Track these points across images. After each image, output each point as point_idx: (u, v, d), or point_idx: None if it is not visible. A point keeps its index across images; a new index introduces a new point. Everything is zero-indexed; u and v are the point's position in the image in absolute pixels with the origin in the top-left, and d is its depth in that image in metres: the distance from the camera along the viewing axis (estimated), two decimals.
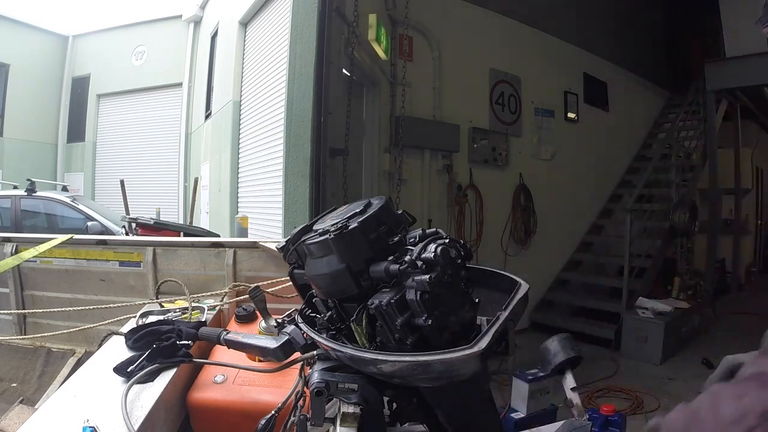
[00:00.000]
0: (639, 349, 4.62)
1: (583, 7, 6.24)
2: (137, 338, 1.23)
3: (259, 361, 1.18)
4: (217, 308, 1.64)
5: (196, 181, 7.14)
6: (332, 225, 0.68)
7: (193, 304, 1.56)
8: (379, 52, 4.14)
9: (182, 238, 3.34)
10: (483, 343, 0.58)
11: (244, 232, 4.44)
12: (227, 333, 1.03)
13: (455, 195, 5.06)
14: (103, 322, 1.57)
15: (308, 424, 0.72)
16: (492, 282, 0.78)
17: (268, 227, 4.70)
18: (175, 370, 1.14)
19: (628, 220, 5.39)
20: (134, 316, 1.46)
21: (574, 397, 0.71)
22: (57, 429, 0.92)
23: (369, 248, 0.67)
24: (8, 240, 2.46)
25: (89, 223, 5.90)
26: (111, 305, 1.79)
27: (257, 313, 1.43)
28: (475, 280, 0.71)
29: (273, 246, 2.00)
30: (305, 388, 0.80)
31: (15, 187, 6.83)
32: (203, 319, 1.47)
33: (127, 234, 4.69)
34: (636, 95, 7.32)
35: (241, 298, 1.71)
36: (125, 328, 1.39)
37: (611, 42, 6.73)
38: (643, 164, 6.82)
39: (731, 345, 1.50)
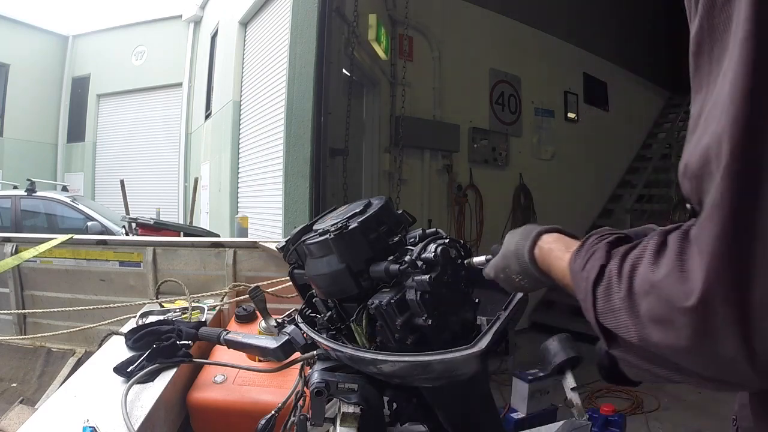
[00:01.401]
0: None
1: (583, 7, 6.24)
2: (137, 338, 1.23)
3: (259, 361, 1.18)
4: (217, 308, 1.64)
5: (196, 181, 7.14)
6: (332, 225, 0.68)
7: (193, 304, 1.55)
8: (379, 52, 4.13)
9: (182, 238, 3.34)
10: (483, 343, 0.58)
11: (244, 232, 4.43)
12: (227, 333, 1.03)
13: (455, 195, 5.05)
14: (103, 322, 1.58)
15: (308, 424, 0.72)
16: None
17: (268, 227, 4.70)
18: (175, 370, 1.14)
19: (628, 220, 5.39)
20: (134, 316, 1.46)
21: (574, 397, 0.70)
22: (57, 429, 0.92)
23: (369, 248, 0.67)
24: (8, 240, 2.46)
25: (89, 223, 5.89)
26: (111, 305, 1.79)
27: (257, 313, 1.43)
28: (475, 280, 0.71)
29: (273, 246, 2.00)
30: (305, 388, 0.80)
31: (15, 187, 6.83)
32: (203, 319, 1.47)
33: (127, 234, 4.69)
34: (636, 95, 7.31)
35: (241, 298, 1.71)
36: (125, 328, 1.38)
37: (611, 42, 6.72)
38: (643, 164, 6.82)
39: None
